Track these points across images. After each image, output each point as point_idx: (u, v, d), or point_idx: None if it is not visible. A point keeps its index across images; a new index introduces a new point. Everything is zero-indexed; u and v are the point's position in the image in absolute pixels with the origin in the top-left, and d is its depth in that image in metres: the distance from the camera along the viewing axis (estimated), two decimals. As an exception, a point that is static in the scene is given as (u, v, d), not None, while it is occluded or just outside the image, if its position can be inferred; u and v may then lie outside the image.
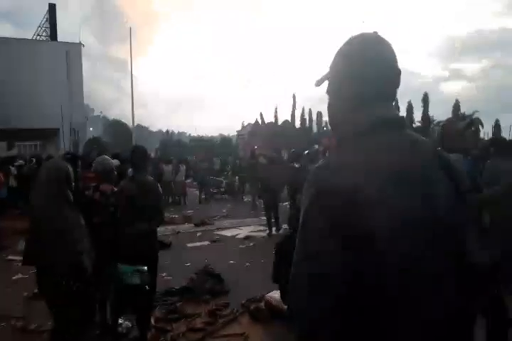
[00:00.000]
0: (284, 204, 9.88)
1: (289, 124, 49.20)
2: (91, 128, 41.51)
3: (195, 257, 6.53)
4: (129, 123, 32.78)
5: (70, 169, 2.91)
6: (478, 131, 36.02)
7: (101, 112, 78.89)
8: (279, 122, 51.52)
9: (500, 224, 3.08)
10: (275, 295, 4.10)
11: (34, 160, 12.52)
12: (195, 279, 5.03)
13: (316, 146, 9.82)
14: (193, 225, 9.67)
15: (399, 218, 0.88)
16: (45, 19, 30.94)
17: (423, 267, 0.89)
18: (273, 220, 8.52)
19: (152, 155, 18.62)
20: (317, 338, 0.89)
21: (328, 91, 1.12)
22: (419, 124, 40.12)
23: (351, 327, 0.88)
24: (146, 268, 3.35)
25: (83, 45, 30.56)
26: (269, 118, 53.53)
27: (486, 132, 38.12)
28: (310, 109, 52.67)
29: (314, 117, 52.20)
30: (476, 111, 39.41)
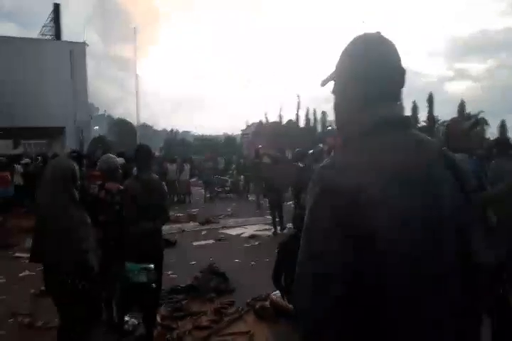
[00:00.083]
0: (289, 203, 9.88)
1: (293, 124, 49.13)
2: (96, 127, 41.63)
3: (200, 256, 6.55)
4: (134, 122, 32.90)
5: (76, 167, 2.92)
6: (483, 131, 35.85)
7: (105, 111, 79.26)
8: (284, 122, 51.46)
9: (505, 223, 3.07)
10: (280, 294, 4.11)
11: (40, 158, 12.60)
12: (200, 277, 5.05)
13: (321, 145, 9.78)
14: (198, 224, 9.69)
15: (404, 218, 0.88)
16: (49, 18, 31.08)
17: (430, 267, 0.90)
18: (277, 219, 8.52)
19: (157, 154, 18.65)
20: (321, 338, 0.89)
21: (333, 91, 1.12)
22: (424, 124, 39.95)
23: (355, 327, 0.88)
24: (152, 266, 3.36)
25: (87, 45, 30.63)
26: (273, 118, 53.50)
27: (491, 132, 37.96)
28: (314, 109, 52.58)
29: (319, 117, 52.12)
30: (482, 112, 39.25)
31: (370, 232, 0.86)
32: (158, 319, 3.92)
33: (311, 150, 8.70)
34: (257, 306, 4.19)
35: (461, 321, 0.95)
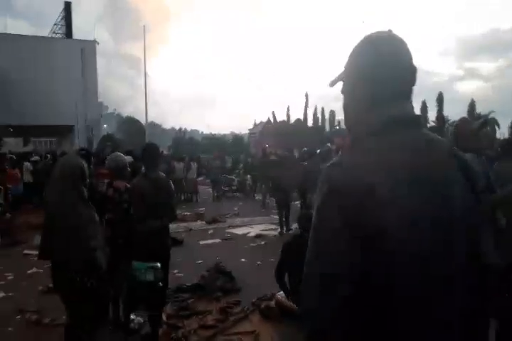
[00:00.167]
0: (295, 203, 9.86)
1: (301, 123, 49.01)
2: (105, 125, 41.92)
3: (206, 254, 6.57)
4: (143, 121, 33.05)
5: (85, 165, 2.93)
6: (494, 131, 35.50)
7: (115, 109, 79.74)
8: (291, 121, 51.39)
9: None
10: (285, 294, 4.10)
11: (50, 156, 12.71)
12: (206, 276, 5.06)
13: (329, 145, 9.75)
14: (204, 223, 9.71)
15: (413, 218, 0.87)
16: (60, 17, 31.34)
17: (439, 267, 0.89)
18: (284, 219, 8.51)
19: (165, 152, 18.74)
20: (327, 338, 0.89)
21: (342, 91, 1.12)
22: (433, 124, 39.66)
23: (363, 327, 0.88)
24: (159, 264, 3.37)
25: (98, 43, 30.86)
26: (281, 117, 53.48)
27: (502, 133, 37.61)
28: (323, 108, 52.53)
29: (327, 116, 51.97)
30: (492, 111, 38.94)
31: (379, 232, 0.85)
32: (164, 318, 3.94)
33: (318, 150, 8.68)
34: (263, 306, 4.19)
35: (469, 322, 0.94)
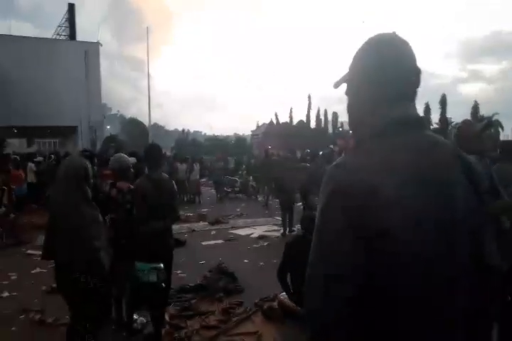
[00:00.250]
0: (298, 204, 9.86)
1: (304, 124, 49.04)
2: (108, 127, 42.04)
3: (209, 255, 6.57)
4: (146, 122, 33.13)
5: (89, 166, 2.94)
6: (497, 133, 35.39)
7: (118, 111, 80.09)
8: (294, 122, 51.39)
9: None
10: (287, 295, 4.10)
11: (53, 156, 12.75)
12: (209, 277, 5.06)
13: (332, 147, 9.76)
14: (207, 224, 9.71)
15: (417, 219, 0.88)
16: (64, 19, 31.45)
17: (442, 268, 0.89)
18: (288, 220, 8.51)
19: (168, 154, 18.78)
20: (330, 339, 0.89)
21: (346, 93, 1.12)
22: (436, 126, 39.57)
23: (365, 328, 0.88)
24: (162, 265, 3.37)
25: (101, 45, 30.94)
26: (284, 119, 53.50)
27: (506, 135, 37.47)
28: (326, 110, 52.45)
29: (330, 117, 51.91)
30: (496, 113, 38.79)
31: (382, 233, 0.85)
32: (167, 318, 3.94)
33: (321, 152, 8.68)
34: (265, 307, 4.19)
35: (473, 323, 0.94)
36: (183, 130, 66.13)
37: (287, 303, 4.02)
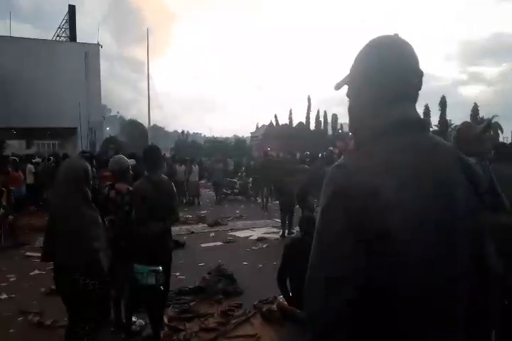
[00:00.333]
0: (298, 206, 9.85)
1: (303, 126, 49.10)
2: (108, 128, 42.07)
3: (208, 257, 6.56)
4: (145, 124, 33.15)
5: (89, 167, 2.93)
6: (497, 135, 35.45)
7: (118, 112, 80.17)
8: (294, 124, 51.44)
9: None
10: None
11: (52, 158, 12.74)
12: (208, 279, 5.05)
13: (331, 148, 9.77)
14: (206, 225, 9.71)
15: (417, 220, 0.88)
16: (64, 20, 31.51)
17: (443, 269, 0.89)
18: (287, 222, 8.50)
19: (167, 155, 18.79)
20: None
21: (348, 95, 1.12)
22: (436, 128, 39.63)
23: (366, 330, 0.88)
24: (161, 268, 3.37)
25: (101, 46, 31.00)
26: (283, 121, 53.55)
27: (505, 137, 37.53)
28: (325, 111, 52.55)
29: (329, 119, 51.98)
30: (496, 116, 38.83)
31: (383, 234, 0.85)
32: (166, 320, 3.93)
33: (320, 154, 8.69)
34: (264, 309, 4.18)
35: (473, 323, 0.94)
36: (183, 131, 66.16)
37: (286, 306, 4.01)
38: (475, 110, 40.86)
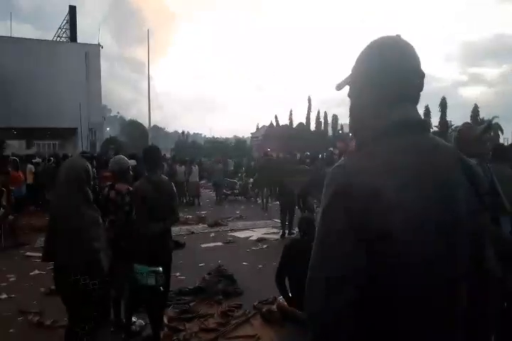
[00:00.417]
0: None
1: (304, 127, 49.11)
2: (108, 128, 42.10)
3: (208, 258, 6.56)
4: (146, 124, 33.16)
5: (90, 167, 2.93)
6: (497, 136, 35.46)
7: (118, 113, 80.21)
8: (294, 125, 51.47)
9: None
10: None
11: (53, 159, 12.74)
12: (208, 279, 5.05)
13: (332, 149, 9.77)
14: (206, 226, 9.71)
15: (418, 221, 0.88)
16: (65, 21, 31.54)
17: (443, 270, 0.89)
18: (287, 223, 8.50)
19: (168, 155, 18.78)
20: None
21: (349, 95, 1.12)
22: (436, 129, 39.64)
23: (367, 331, 0.88)
24: (161, 269, 3.37)
25: (102, 47, 31.03)
26: (284, 121, 53.59)
27: (505, 138, 37.55)
28: (325, 112, 52.60)
29: (330, 120, 52.01)
30: (496, 117, 38.85)
31: (384, 235, 0.86)
32: (166, 320, 3.93)
33: (320, 155, 8.69)
34: (264, 310, 4.17)
35: (473, 324, 0.95)
36: (183, 132, 66.13)
37: (286, 306, 4.01)
38: (475, 111, 40.90)
